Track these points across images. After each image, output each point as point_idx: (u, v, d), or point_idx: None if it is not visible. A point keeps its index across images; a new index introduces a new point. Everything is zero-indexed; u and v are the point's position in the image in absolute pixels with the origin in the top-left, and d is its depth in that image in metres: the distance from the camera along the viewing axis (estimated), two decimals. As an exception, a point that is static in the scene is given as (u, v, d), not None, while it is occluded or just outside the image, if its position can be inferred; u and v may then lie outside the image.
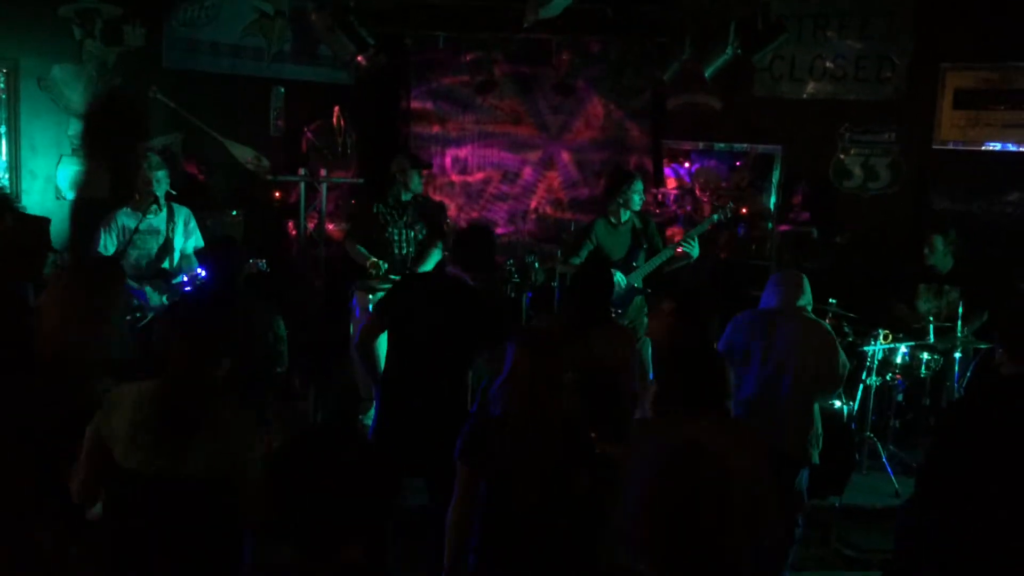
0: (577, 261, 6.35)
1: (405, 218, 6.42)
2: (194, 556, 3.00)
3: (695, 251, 6.30)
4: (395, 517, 4.20)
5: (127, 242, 5.74)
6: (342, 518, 2.40)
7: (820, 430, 4.67)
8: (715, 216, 6.68)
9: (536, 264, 7.34)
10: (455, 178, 8.57)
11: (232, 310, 4.25)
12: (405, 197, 6.42)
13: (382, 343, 4.54)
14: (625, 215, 6.41)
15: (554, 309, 6.84)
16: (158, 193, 5.84)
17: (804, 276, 4.85)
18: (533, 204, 8.64)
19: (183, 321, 3.39)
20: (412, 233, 6.43)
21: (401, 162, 6.47)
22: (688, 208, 8.49)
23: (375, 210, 6.41)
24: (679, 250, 6.31)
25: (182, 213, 6.03)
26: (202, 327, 3.17)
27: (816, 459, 4.64)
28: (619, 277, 6.11)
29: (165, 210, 5.91)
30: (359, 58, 7.46)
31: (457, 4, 7.83)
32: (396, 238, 6.39)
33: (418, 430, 4.29)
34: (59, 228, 6.54)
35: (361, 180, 7.95)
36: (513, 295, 7.22)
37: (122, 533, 3.01)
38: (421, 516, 4.46)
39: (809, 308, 4.78)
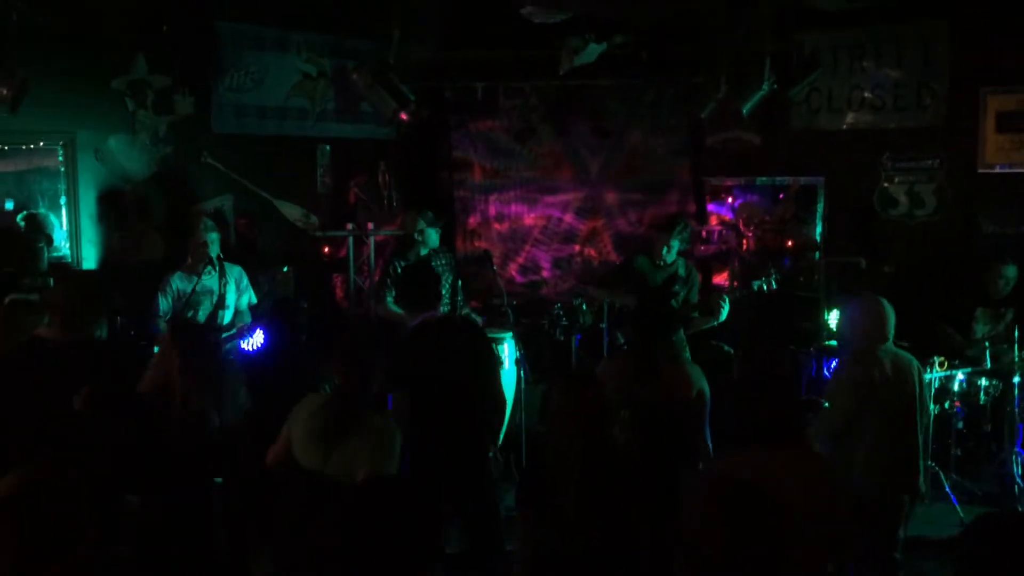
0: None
1: None
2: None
3: (723, 315, 6.16)
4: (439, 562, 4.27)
5: (184, 304, 5.89)
6: (392, 566, 2.41)
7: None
8: (755, 284, 6.40)
9: (584, 306, 7.37)
10: (499, 226, 8.66)
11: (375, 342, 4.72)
12: (424, 252, 6.50)
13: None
14: (670, 257, 6.37)
15: (604, 351, 6.85)
16: (212, 255, 6.01)
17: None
18: (577, 248, 8.69)
19: (348, 352, 3.90)
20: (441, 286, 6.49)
21: (415, 219, 6.53)
22: (732, 244, 8.49)
23: (398, 270, 6.49)
24: (712, 306, 6.20)
25: (234, 272, 6.18)
26: (362, 354, 3.80)
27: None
28: None
29: (217, 270, 6.06)
30: (401, 113, 7.63)
31: (494, 55, 7.98)
32: None
33: (446, 472, 4.36)
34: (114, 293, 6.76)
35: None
36: (562, 338, 7.25)
37: (297, 523, 3.49)
38: (461, 563, 4.51)
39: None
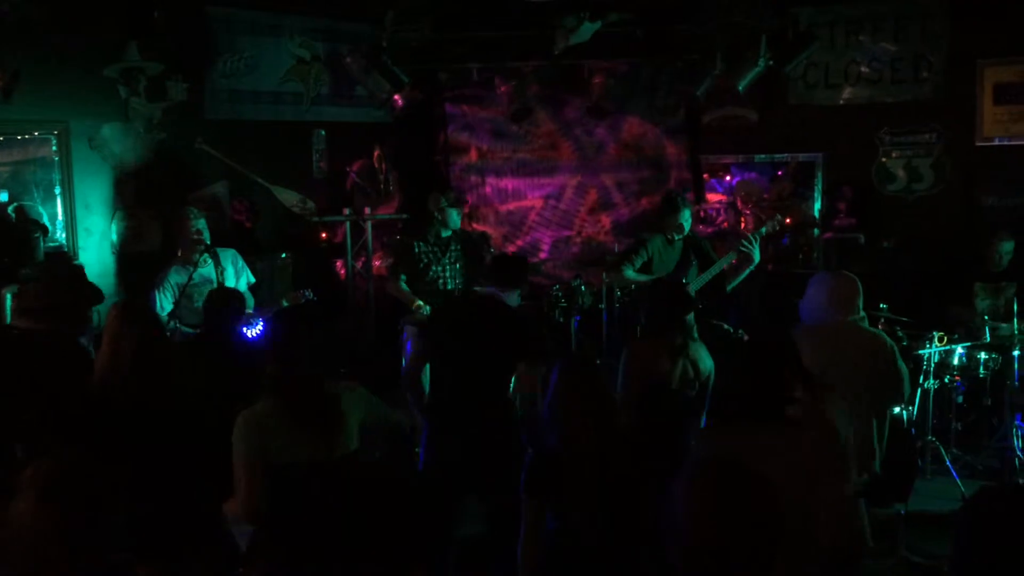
0: (630, 271, 6.30)
1: (449, 255, 6.47)
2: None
3: (756, 255, 6.20)
4: (451, 548, 4.24)
5: (182, 296, 5.87)
6: (389, 554, 2.38)
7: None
8: (763, 229, 6.50)
9: (583, 287, 7.36)
10: (497, 207, 8.64)
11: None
12: (445, 234, 6.47)
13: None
14: (688, 225, 6.41)
15: (603, 332, 6.85)
16: (207, 241, 5.97)
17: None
18: (575, 229, 8.67)
19: (272, 346, 3.83)
20: (459, 268, 6.47)
21: (438, 199, 6.51)
22: (731, 222, 8.47)
23: (416, 249, 6.45)
24: (740, 252, 6.23)
25: (228, 255, 6.13)
26: (289, 347, 3.55)
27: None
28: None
29: (213, 259, 6.01)
30: (395, 96, 7.59)
31: (488, 36, 7.93)
32: (441, 275, 6.44)
33: (467, 451, 4.34)
34: (114, 281, 6.74)
35: (405, 216, 8.05)
36: (561, 319, 7.25)
37: (294, 524, 3.25)
38: (479, 545, 4.49)
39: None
